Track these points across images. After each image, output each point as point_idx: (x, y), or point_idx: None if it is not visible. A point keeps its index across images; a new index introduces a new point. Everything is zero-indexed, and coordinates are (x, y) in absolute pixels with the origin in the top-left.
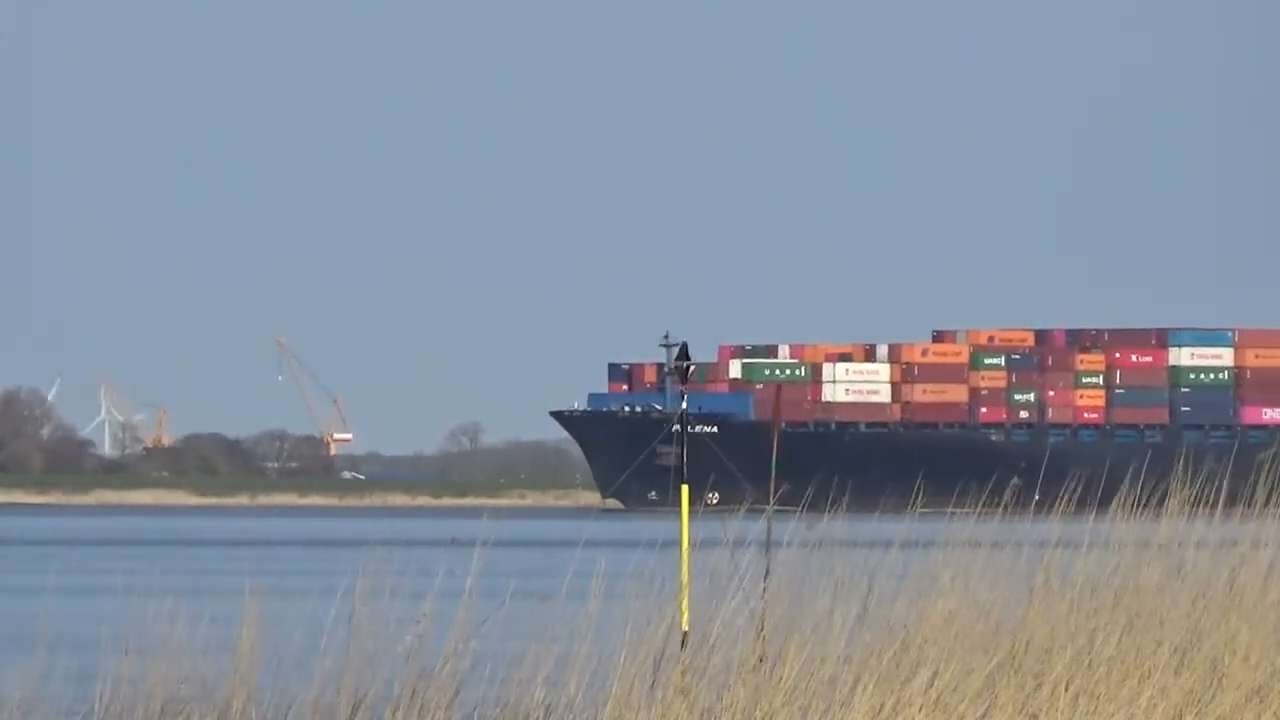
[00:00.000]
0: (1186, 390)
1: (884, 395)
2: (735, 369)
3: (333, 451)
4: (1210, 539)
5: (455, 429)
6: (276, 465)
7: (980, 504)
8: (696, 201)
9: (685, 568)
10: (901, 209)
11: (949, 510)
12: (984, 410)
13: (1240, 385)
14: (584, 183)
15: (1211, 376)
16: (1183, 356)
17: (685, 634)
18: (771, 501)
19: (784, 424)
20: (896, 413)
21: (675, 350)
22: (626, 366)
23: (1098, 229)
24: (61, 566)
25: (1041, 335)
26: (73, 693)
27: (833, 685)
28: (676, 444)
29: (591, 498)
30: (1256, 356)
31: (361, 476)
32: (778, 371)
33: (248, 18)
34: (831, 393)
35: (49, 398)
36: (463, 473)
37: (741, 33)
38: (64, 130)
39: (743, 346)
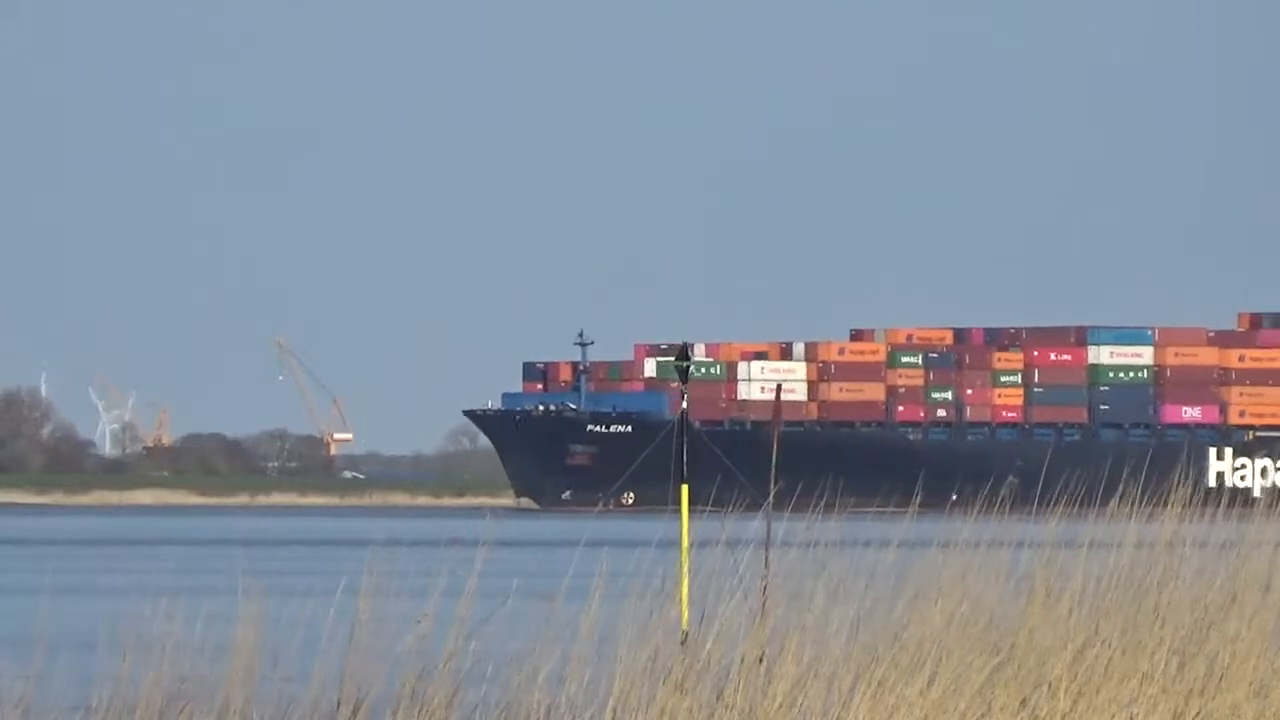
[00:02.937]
0: (1106, 389)
1: (800, 394)
2: (650, 368)
3: (333, 451)
4: (1210, 539)
5: (455, 429)
6: (276, 465)
7: (977, 505)
8: (612, 199)
9: (685, 567)
10: (820, 207)
11: (874, 510)
12: (901, 409)
13: (1160, 384)
14: (502, 179)
15: (1131, 375)
16: (1102, 355)
17: (685, 634)
18: (770, 502)
19: (698, 423)
20: (813, 411)
21: (587, 349)
22: (541, 365)
23: (1017, 227)
24: (61, 566)
25: (960, 334)
26: (73, 693)
27: (832, 685)
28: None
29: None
30: (1176, 355)
31: (361, 476)
32: (693, 370)
33: (248, 17)
34: (746, 391)
35: (40, 388)
36: (463, 473)
37: (654, 33)
38: (63, 130)
39: (658, 345)
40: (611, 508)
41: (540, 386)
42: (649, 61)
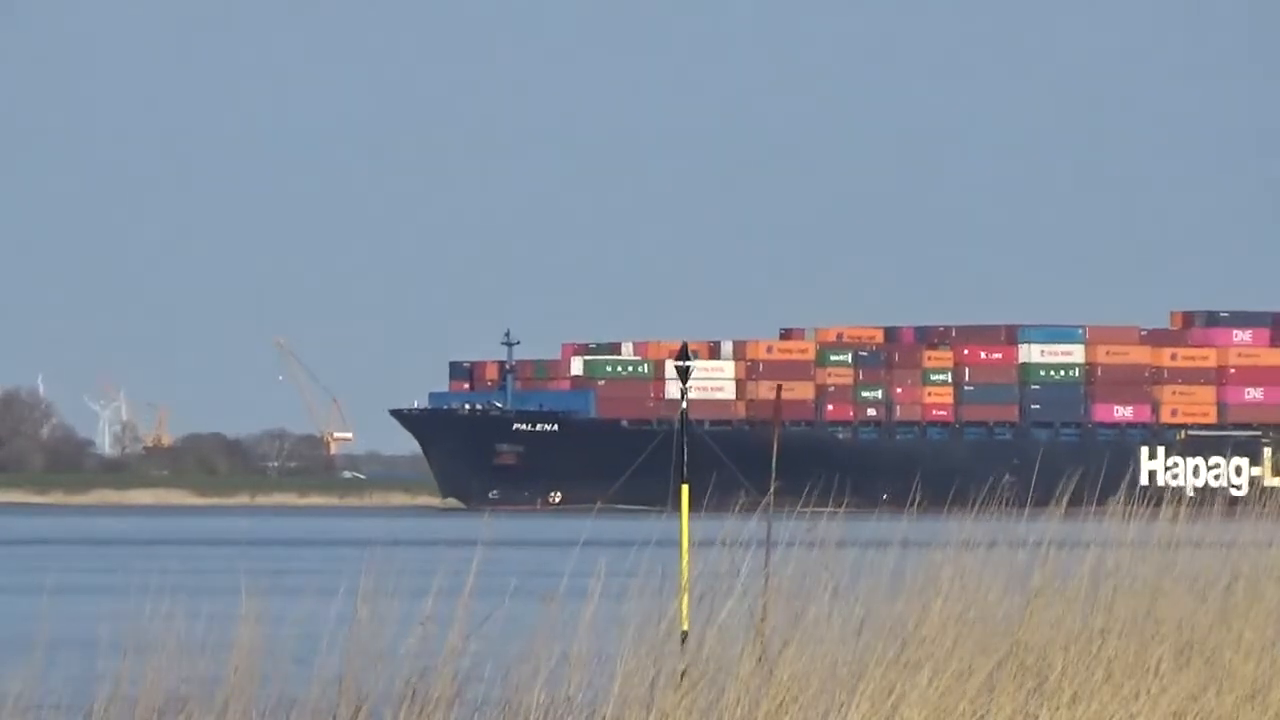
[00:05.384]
0: (1036, 388)
1: (728, 392)
2: (577, 366)
3: (333, 451)
4: (1209, 539)
5: None
6: (276, 465)
7: (978, 505)
8: (539, 198)
9: (685, 567)
10: (750, 206)
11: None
12: (830, 408)
13: (1091, 383)
14: (432, 179)
15: (1062, 374)
16: (1032, 353)
17: (685, 634)
18: (771, 501)
19: (625, 422)
20: (741, 410)
21: (514, 348)
22: (467, 365)
23: (948, 226)
24: (61, 566)
25: (890, 332)
26: (73, 693)
27: (832, 685)
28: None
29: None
30: (1107, 354)
31: (362, 476)
32: (620, 369)
33: (246, 17)
34: (674, 390)
35: (39, 390)
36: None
37: (581, 35)
38: (63, 129)
39: (585, 344)
40: (539, 507)
41: (467, 386)
42: (573, 61)
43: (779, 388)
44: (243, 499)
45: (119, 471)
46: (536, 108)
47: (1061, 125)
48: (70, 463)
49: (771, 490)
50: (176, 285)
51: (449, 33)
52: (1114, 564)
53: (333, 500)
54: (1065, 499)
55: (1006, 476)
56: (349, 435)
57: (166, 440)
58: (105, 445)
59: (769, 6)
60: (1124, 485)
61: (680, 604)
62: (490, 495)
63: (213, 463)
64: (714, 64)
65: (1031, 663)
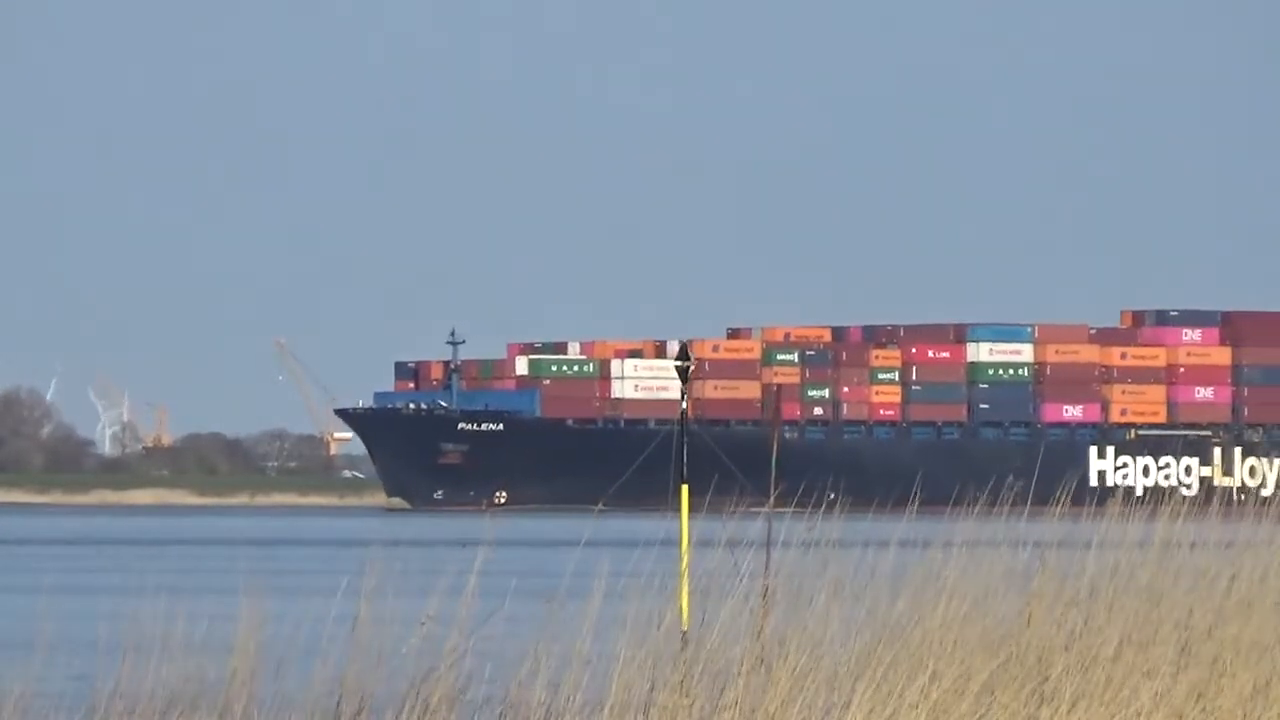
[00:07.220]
0: (985, 387)
1: (674, 392)
2: (522, 366)
3: (332, 451)
4: (1209, 539)
5: None
6: (276, 465)
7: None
8: (484, 197)
9: (685, 567)
10: (698, 205)
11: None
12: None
13: (1040, 382)
14: (374, 177)
15: (1010, 373)
16: (981, 352)
17: (685, 634)
18: (771, 500)
19: (570, 421)
20: (687, 409)
21: (459, 347)
22: (413, 365)
23: (897, 224)
24: (61, 566)
25: (838, 332)
26: (73, 693)
27: (832, 685)
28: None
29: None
30: (1057, 353)
31: (361, 476)
32: (565, 368)
33: (246, 17)
34: (620, 389)
35: (47, 396)
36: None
37: (523, 26)
38: (63, 129)
39: (531, 344)
40: (484, 507)
41: (412, 385)
42: (521, 58)
43: (779, 388)
44: (243, 499)
45: (119, 471)
46: (484, 106)
47: (1012, 124)
48: (70, 463)
49: (773, 492)
50: (177, 285)
51: (406, 39)
52: (1114, 564)
53: (333, 500)
54: (1066, 500)
55: (1010, 478)
56: (349, 435)
57: (166, 440)
58: (105, 445)
59: (725, 9)
60: (1063, 484)
61: (680, 604)
62: (435, 495)
63: (213, 463)
64: (664, 62)
65: (1032, 663)
